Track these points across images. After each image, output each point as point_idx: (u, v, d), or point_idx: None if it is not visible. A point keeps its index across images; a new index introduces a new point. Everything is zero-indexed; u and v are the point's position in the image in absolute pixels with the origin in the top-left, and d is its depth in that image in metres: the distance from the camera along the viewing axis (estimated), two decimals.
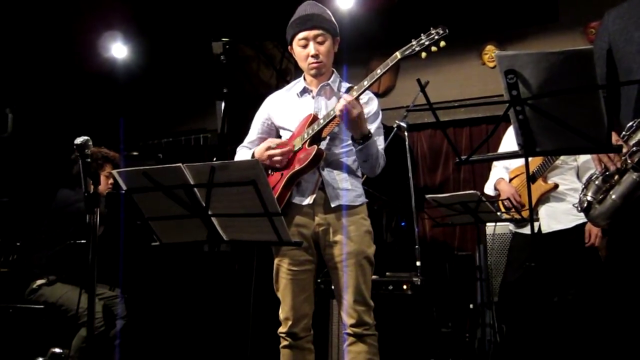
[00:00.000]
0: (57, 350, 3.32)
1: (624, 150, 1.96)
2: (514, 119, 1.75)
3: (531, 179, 3.41)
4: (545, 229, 3.25)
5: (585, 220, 3.08)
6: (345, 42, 2.57)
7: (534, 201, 3.28)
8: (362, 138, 2.29)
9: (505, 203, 3.38)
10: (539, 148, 1.80)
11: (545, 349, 3.06)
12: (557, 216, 3.26)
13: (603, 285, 2.86)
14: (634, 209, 2.03)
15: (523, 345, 3.27)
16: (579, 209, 2.18)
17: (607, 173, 2.04)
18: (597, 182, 2.10)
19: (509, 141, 3.53)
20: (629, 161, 1.96)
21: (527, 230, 3.34)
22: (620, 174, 2.01)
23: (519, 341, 3.31)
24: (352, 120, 2.24)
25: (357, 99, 2.29)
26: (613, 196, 2.03)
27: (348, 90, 2.35)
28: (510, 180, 3.51)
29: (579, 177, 3.31)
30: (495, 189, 3.54)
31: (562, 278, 3.18)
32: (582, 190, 2.17)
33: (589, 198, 2.13)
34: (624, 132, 2.01)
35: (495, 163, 3.69)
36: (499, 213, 3.39)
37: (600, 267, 3.19)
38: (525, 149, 1.80)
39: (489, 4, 4.94)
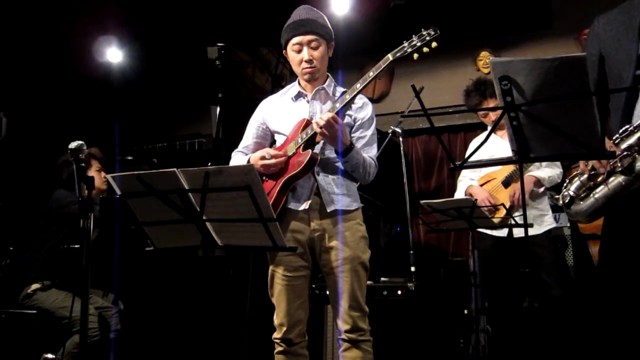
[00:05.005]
0: (50, 355, 3.30)
1: (616, 153, 1.97)
2: (508, 125, 1.76)
3: (506, 183, 3.58)
4: (517, 234, 3.35)
5: (554, 225, 3.38)
6: (340, 47, 2.58)
7: (507, 204, 3.41)
8: (345, 150, 2.29)
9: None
10: (533, 154, 1.81)
11: (532, 354, 3.10)
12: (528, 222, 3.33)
13: (588, 289, 2.91)
14: (626, 214, 2.04)
15: (511, 350, 3.32)
16: (561, 202, 2.21)
17: (593, 172, 2.07)
18: (581, 179, 2.13)
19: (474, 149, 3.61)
20: (619, 164, 1.98)
21: (496, 233, 3.48)
22: (607, 174, 2.03)
23: (507, 345, 3.37)
24: (327, 137, 2.26)
25: (349, 103, 2.30)
26: (596, 196, 2.06)
27: (342, 95, 2.34)
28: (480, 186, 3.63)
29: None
30: (469, 195, 3.61)
31: (534, 282, 3.27)
32: (565, 184, 2.20)
33: (571, 193, 2.15)
34: (617, 135, 2.03)
35: (460, 177, 3.82)
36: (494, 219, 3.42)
37: (572, 269, 3.28)
38: (520, 155, 1.81)
39: (484, 10, 4.96)
